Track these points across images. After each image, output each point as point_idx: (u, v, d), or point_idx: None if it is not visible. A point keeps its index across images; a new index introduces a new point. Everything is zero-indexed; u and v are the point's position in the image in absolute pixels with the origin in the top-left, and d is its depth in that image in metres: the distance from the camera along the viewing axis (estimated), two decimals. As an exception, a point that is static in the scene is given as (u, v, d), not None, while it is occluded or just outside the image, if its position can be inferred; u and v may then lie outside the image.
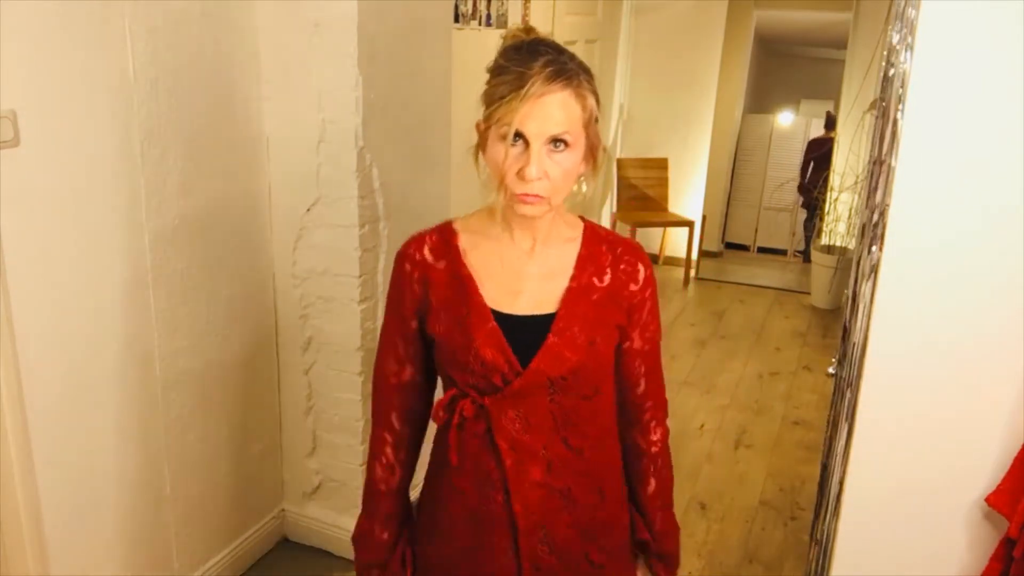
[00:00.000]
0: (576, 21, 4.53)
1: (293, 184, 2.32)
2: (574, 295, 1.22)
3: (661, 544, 1.37)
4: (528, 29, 1.21)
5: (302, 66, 2.21)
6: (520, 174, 1.11)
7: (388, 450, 1.34)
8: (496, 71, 1.15)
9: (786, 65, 10.02)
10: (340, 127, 2.21)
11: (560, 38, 3.83)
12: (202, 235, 2.13)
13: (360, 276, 2.33)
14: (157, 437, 2.09)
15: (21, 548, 1.78)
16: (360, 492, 2.58)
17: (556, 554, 1.26)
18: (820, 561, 1.75)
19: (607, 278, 1.25)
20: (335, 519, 2.57)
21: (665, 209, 5.78)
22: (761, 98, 9.66)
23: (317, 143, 2.25)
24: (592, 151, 1.18)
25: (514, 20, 3.70)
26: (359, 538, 1.40)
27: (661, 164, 5.74)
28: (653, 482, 1.35)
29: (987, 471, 1.45)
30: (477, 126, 1.18)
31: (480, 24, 3.43)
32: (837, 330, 4.72)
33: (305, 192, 2.31)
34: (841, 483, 1.61)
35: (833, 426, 1.71)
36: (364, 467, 2.49)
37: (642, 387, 1.31)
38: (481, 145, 1.18)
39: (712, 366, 4.25)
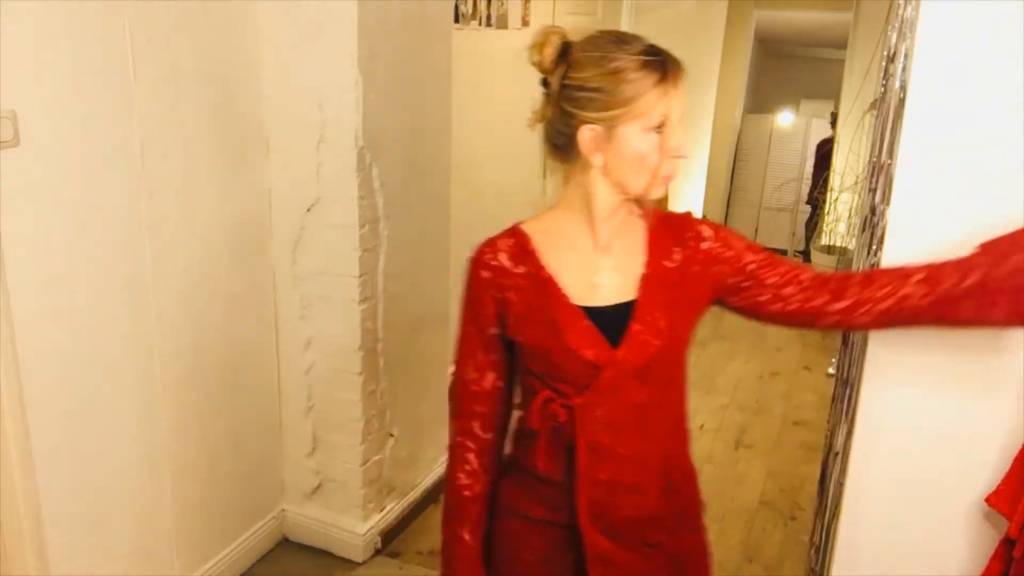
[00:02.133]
0: (576, 21, 4.52)
1: (293, 184, 2.32)
2: (651, 281, 1.23)
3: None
4: (554, 27, 1.21)
5: (302, 66, 2.21)
6: (678, 153, 1.15)
7: (471, 456, 1.32)
8: (621, 67, 1.13)
9: (786, 65, 10.01)
10: (340, 127, 2.21)
11: (560, 38, 3.67)
12: (202, 235, 2.13)
13: (360, 276, 2.33)
14: (157, 437, 2.09)
15: (21, 548, 1.78)
16: (362, 492, 2.59)
17: (617, 543, 1.28)
18: (820, 561, 1.75)
19: (677, 256, 1.26)
20: (335, 519, 2.57)
21: (665, 209, 5.77)
22: (761, 98, 9.66)
23: (317, 143, 2.25)
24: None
25: (514, 20, 3.70)
26: (448, 545, 1.35)
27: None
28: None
29: (987, 471, 1.44)
30: (595, 131, 1.16)
31: (480, 24, 3.43)
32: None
33: (305, 192, 2.31)
34: (841, 483, 1.61)
35: (833, 426, 1.71)
36: (363, 467, 2.50)
37: (803, 273, 1.26)
38: (601, 148, 1.17)
39: (712, 366, 4.25)
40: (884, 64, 1.46)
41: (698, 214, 6.60)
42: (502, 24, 3.61)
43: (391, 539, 2.67)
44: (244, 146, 2.24)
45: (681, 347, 1.27)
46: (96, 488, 1.94)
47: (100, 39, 1.77)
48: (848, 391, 1.62)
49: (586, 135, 1.17)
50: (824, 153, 6.47)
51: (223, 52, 2.11)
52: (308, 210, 2.32)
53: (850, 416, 1.58)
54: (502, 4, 3.58)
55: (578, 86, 1.16)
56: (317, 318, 2.41)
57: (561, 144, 1.22)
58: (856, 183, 4.86)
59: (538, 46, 1.20)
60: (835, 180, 5.50)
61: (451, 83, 2.65)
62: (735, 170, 8.54)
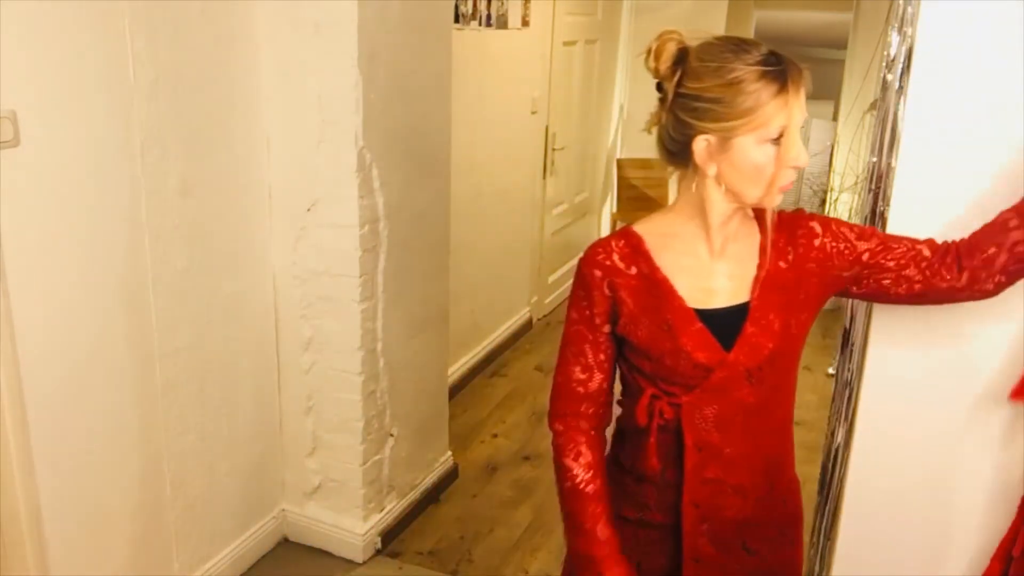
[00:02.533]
0: (576, 21, 4.52)
1: (293, 184, 2.32)
2: (765, 283, 1.23)
3: None
4: (673, 34, 1.18)
5: (302, 66, 2.21)
6: (795, 164, 1.14)
7: (584, 450, 1.31)
8: (740, 77, 1.11)
9: (786, 65, 9.99)
10: (340, 127, 2.21)
11: (560, 38, 3.82)
12: (202, 235, 2.13)
13: (360, 276, 2.33)
14: (157, 437, 2.09)
15: (21, 548, 1.78)
16: (362, 492, 2.59)
17: (715, 544, 1.29)
18: (820, 561, 1.75)
19: (791, 257, 1.25)
20: (335, 519, 2.57)
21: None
22: (761, 98, 9.62)
23: (317, 143, 2.25)
24: None
25: (514, 20, 3.70)
26: (584, 547, 1.30)
27: (661, 164, 5.72)
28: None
29: (987, 471, 1.44)
30: (710, 142, 1.15)
31: (480, 24, 3.43)
32: (837, 330, 4.72)
33: (305, 192, 2.30)
34: (841, 483, 1.61)
35: (833, 426, 1.71)
36: (363, 467, 2.50)
37: (924, 250, 1.24)
38: (715, 158, 1.16)
39: (712, 366, 4.25)
40: (884, 64, 1.46)
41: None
42: (502, 24, 3.61)
43: (391, 539, 2.67)
44: (244, 146, 2.24)
45: (795, 348, 1.27)
46: (96, 488, 1.94)
47: (100, 39, 1.77)
48: (848, 391, 1.62)
49: (700, 145, 1.15)
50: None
51: (223, 52, 2.11)
52: (308, 210, 2.32)
53: (850, 416, 1.58)
54: (502, 4, 3.58)
55: (694, 95, 1.13)
56: (317, 318, 2.41)
57: (675, 151, 1.21)
58: (856, 183, 4.86)
59: (654, 53, 1.17)
60: (835, 180, 5.49)
61: (451, 83, 2.65)
62: (735, 170, 8.51)
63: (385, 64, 2.26)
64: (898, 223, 1.41)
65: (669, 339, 1.21)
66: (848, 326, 1.67)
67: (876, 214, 1.48)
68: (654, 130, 1.26)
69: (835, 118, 6.51)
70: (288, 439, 2.57)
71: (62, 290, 1.78)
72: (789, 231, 1.27)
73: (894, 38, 1.41)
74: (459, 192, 3.21)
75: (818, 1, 6.60)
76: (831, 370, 2.05)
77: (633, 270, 1.24)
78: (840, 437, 1.64)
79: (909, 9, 1.36)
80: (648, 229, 1.27)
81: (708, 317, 1.22)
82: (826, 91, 8.78)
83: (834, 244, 1.26)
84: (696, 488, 1.25)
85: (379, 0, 2.19)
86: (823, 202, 5.55)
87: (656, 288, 1.22)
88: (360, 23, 2.13)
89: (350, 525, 2.56)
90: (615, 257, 1.25)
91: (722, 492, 1.26)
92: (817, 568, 1.75)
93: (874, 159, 1.49)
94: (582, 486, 1.29)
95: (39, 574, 1.82)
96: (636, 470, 1.30)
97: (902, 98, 1.38)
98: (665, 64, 1.16)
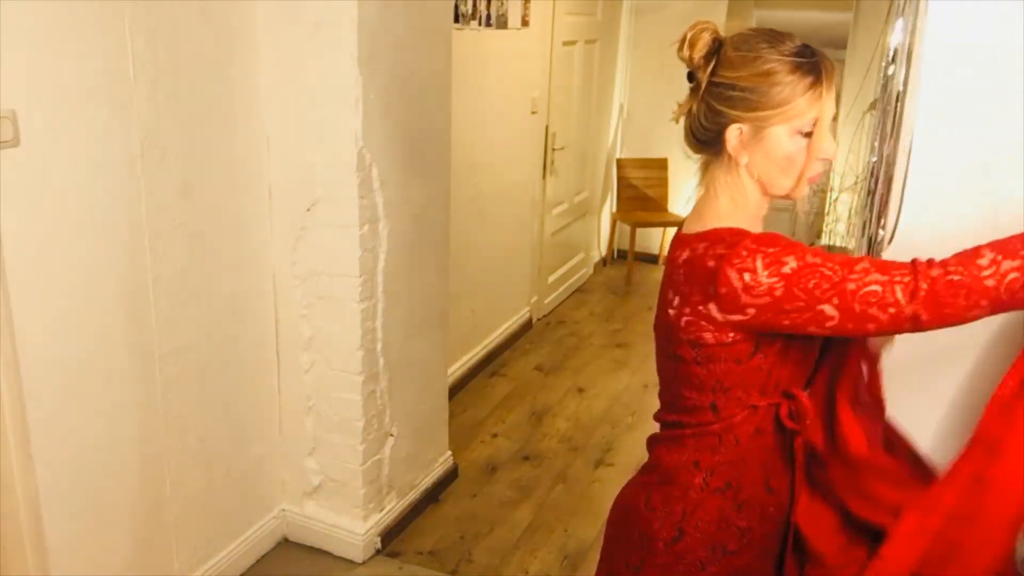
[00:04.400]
0: (576, 21, 4.53)
1: (293, 184, 2.32)
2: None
3: None
4: (706, 23, 1.18)
5: (302, 66, 2.21)
6: (825, 156, 1.14)
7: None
8: (775, 68, 1.12)
9: (786, 65, 9.99)
10: (340, 127, 2.21)
11: (560, 38, 3.82)
12: (202, 235, 2.13)
13: (360, 276, 2.33)
14: (157, 437, 2.09)
15: (21, 548, 1.78)
16: (361, 492, 2.59)
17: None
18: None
19: None
20: (335, 519, 2.57)
21: (665, 209, 5.78)
22: (761, 98, 9.64)
23: (317, 143, 2.25)
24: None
25: (514, 20, 3.70)
26: None
27: (661, 164, 5.73)
28: None
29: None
30: (743, 131, 1.15)
31: (480, 24, 3.43)
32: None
33: (305, 192, 2.30)
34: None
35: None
36: (363, 467, 2.50)
37: None
38: (747, 147, 1.17)
39: (712, 366, 4.24)
40: (884, 64, 1.46)
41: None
42: (502, 24, 3.61)
43: (391, 539, 2.67)
44: (244, 146, 2.24)
45: None
46: (96, 488, 1.94)
47: (100, 39, 1.77)
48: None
49: (733, 134, 1.16)
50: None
51: (223, 52, 2.11)
52: (308, 210, 2.32)
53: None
54: (502, 4, 3.58)
55: (729, 84, 1.15)
56: (317, 318, 2.41)
57: (706, 140, 1.21)
58: (856, 183, 4.86)
59: (689, 42, 1.17)
60: (835, 180, 5.50)
61: (451, 83, 2.65)
62: (735, 170, 8.52)
63: (385, 64, 2.26)
64: (898, 223, 1.41)
65: (803, 341, 1.20)
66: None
67: (876, 215, 1.48)
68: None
69: (835, 118, 6.52)
70: (288, 439, 2.57)
71: (62, 290, 1.78)
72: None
73: (894, 38, 1.41)
74: (459, 192, 3.21)
75: (818, 1, 6.60)
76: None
77: None
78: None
79: (910, 9, 1.36)
80: (745, 226, 1.19)
81: None
82: (826, 91, 8.79)
83: None
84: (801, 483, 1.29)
85: (379, 0, 2.19)
86: (823, 202, 5.55)
87: None
88: (360, 23, 2.13)
89: (350, 525, 2.56)
90: None
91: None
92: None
93: (874, 159, 1.49)
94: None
95: (39, 574, 1.82)
96: (768, 483, 1.26)
97: (902, 98, 1.38)
98: (699, 53, 1.17)
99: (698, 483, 1.24)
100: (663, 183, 5.80)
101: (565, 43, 4.38)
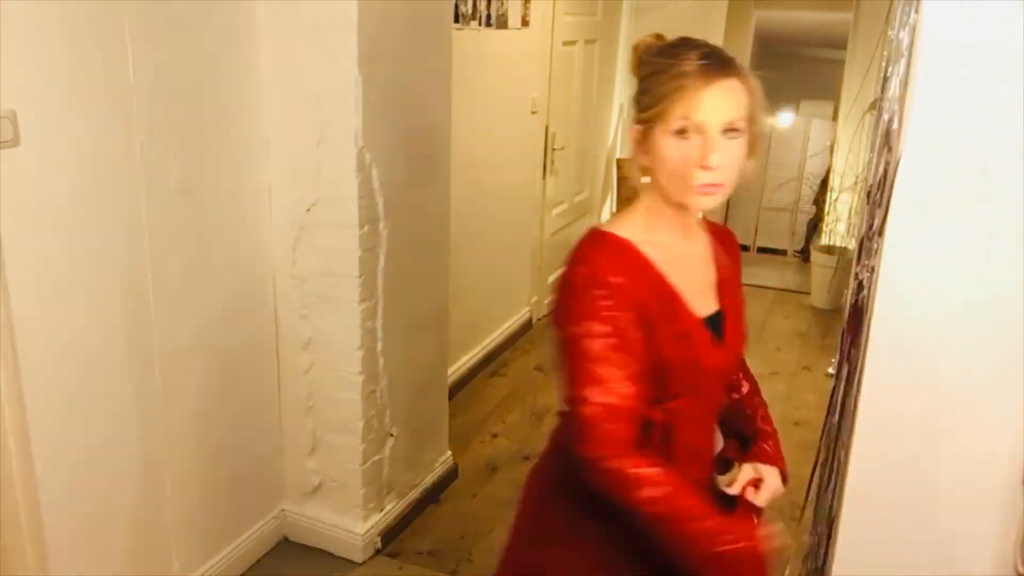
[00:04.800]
0: (576, 21, 4.52)
1: (293, 184, 2.32)
2: (725, 286, 1.28)
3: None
4: (658, 36, 1.22)
5: (302, 66, 2.21)
6: (703, 164, 1.12)
7: (645, 462, 1.16)
8: (656, 70, 1.15)
9: (786, 65, 10.00)
10: (340, 127, 2.21)
11: (560, 38, 3.83)
12: (202, 235, 2.13)
13: (360, 276, 2.32)
14: (157, 437, 2.09)
15: (21, 548, 1.78)
16: (361, 492, 2.59)
17: None
18: (820, 561, 1.75)
19: (725, 263, 1.31)
20: (335, 519, 2.57)
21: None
22: (761, 98, 9.63)
23: (317, 143, 2.25)
24: (754, 141, 1.19)
25: (514, 20, 3.70)
26: (697, 525, 1.15)
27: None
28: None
29: (988, 471, 1.44)
30: (633, 131, 1.18)
31: (480, 24, 3.43)
32: (837, 330, 4.72)
33: (305, 192, 2.30)
34: (841, 482, 1.61)
35: (831, 425, 1.71)
36: (363, 467, 2.50)
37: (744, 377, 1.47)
38: (639, 147, 1.19)
39: (712, 366, 4.24)
40: (884, 64, 1.46)
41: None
42: (502, 24, 3.61)
43: (391, 539, 2.67)
44: (244, 146, 2.24)
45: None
46: (96, 488, 1.94)
47: (100, 39, 1.77)
48: (848, 391, 1.62)
49: (632, 135, 1.19)
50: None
51: (223, 52, 2.11)
52: (308, 210, 2.32)
53: (850, 416, 1.58)
54: (502, 4, 3.58)
55: (635, 89, 1.20)
56: (317, 318, 2.41)
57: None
58: (856, 183, 4.86)
59: (632, 50, 1.23)
60: (835, 180, 5.49)
61: (451, 83, 2.65)
62: (735, 170, 8.51)
63: (385, 64, 2.26)
64: (898, 223, 1.41)
65: (689, 351, 1.19)
66: (848, 325, 1.67)
67: (876, 215, 1.48)
68: None
69: (835, 118, 6.51)
70: (288, 439, 2.57)
71: (62, 290, 1.78)
72: (722, 240, 1.33)
73: (894, 38, 1.41)
74: (459, 192, 3.20)
75: (818, 1, 6.59)
76: (831, 370, 2.05)
77: (637, 278, 1.19)
78: (830, 434, 1.64)
79: (910, 9, 1.36)
80: (635, 236, 1.22)
81: (705, 324, 1.25)
82: (826, 91, 8.79)
83: (735, 271, 1.34)
84: None
85: (379, 0, 2.19)
86: (823, 202, 5.55)
87: (666, 299, 1.19)
88: (360, 23, 2.13)
89: (350, 525, 2.56)
90: (617, 267, 1.18)
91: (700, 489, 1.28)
92: (817, 568, 1.75)
93: (873, 159, 1.49)
94: (674, 478, 1.15)
95: (39, 574, 1.82)
96: None
97: (902, 98, 1.38)
98: (634, 62, 1.22)
99: None
100: (663, 183, 5.79)
101: (565, 43, 4.38)
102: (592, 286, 1.16)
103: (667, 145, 1.14)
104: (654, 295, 1.18)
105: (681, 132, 1.12)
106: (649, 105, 1.14)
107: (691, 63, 1.12)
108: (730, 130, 1.13)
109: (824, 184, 5.66)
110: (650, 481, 1.13)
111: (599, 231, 1.24)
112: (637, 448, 1.16)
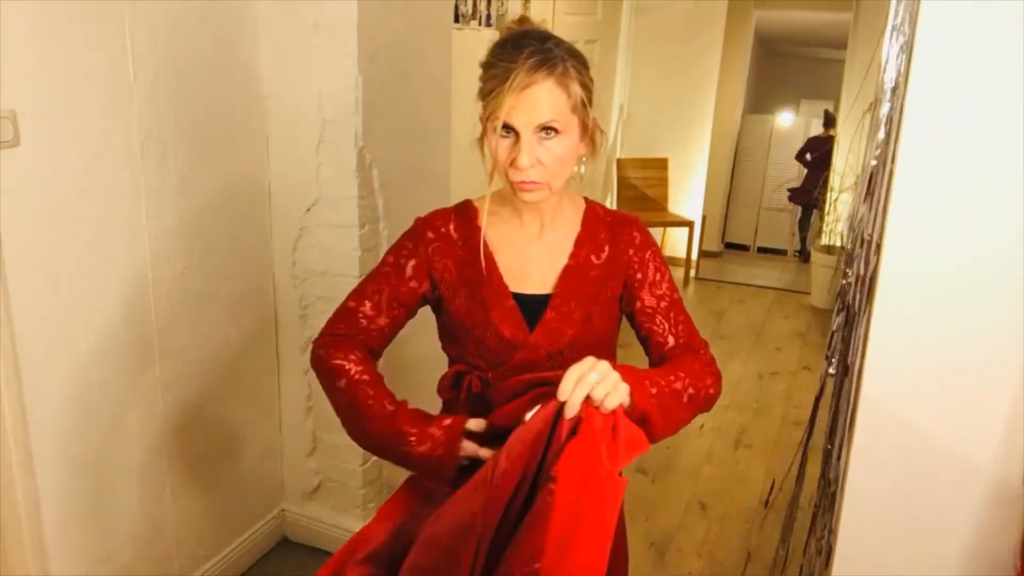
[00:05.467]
0: (576, 21, 4.53)
1: (293, 184, 2.32)
2: (571, 273, 1.29)
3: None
4: (522, 20, 1.24)
5: (302, 66, 2.21)
6: (514, 163, 1.17)
7: (356, 354, 1.30)
8: (486, 67, 1.19)
9: (786, 65, 10.01)
10: (340, 127, 2.21)
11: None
12: (202, 235, 2.13)
13: (360, 276, 2.32)
14: (157, 437, 2.09)
15: (21, 548, 1.78)
16: (361, 492, 2.58)
17: None
18: (820, 561, 1.75)
19: (605, 254, 1.31)
20: (335, 519, 2.57)
21: (665, 209, 5.78)
22: (761, 98, 9.65)
23: (317, 143, 2.25)
24: (589, 133, 1.22)
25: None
26: (371, 425, 1.27)
27: (661, 164, 5.74)
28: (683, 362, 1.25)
29: (988, 472, 1.45)
30: (480, 119, 1.22)
31: (480, 24, 3.43)
32: (837, 330, 4.71)
33: (305, 192, 2.31)
34: (841, 482, 1.61)
35: (832, 425, 1.71)
36: (363, 467, 2.50)
37: (671, 343, 1.30)
38: (484, 137, 1.23)
39: (712, 366, 4.24)
40: (884, 64, 1.46)
41: (697, 214, 6.52)
42: (502, 24, 3.61)
43: (391, 539, 2.66)
44: (244, 146, 2.24)
45: (600, 338, 1.30)
46: (96, 487, 1.94)
47: (100, 39, 1.77)
48: (848, 390, 1.62)
49: (482, 125, 1.22)
50: (824, 153, 6.46)
51: (223, 52, 2.11)
52: (308, 210, 2.32)
53: (849, 415, 1.58)
54: (502, 4, 3.58)
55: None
56: (317, 318, 2.41)
57: None
58: (856, 183, 4.86)
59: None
60: (835, 180, 5.50)
61: (451, 83, 2.65)
62: (735, 170, 8.54)
63: (385, 64, 2.26)
64: (897, 223, 1.41)
65: (482, 311, 1.26)
66: (848, 325, 1.67)
67: (876, 215, 1.48)
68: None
69: (834, 116, 6.52)
70: (288, 439, 2.57)
71: (62, 290, 1.78)
72: (614, 230, 1.33)
73: (893, 38, 1.41)
74: (459, 192, 3.20)
75: (818, 1, 6.60)
76: (831, 370, 2.05)
77: (462, 241, 1.30)
78: (826, 433, 1.64)
79: (909, 9, 1.36)
80: (483, 205, 1.31)
81: (521, 300, 1.28)
82: (826, 91, 8.80)
83: (635, 268, 1.31)
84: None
85: (379, 0, 2.19)
86: (823, 201, 5.55)
87: (479, 261, 1.28)
88: (360, 23, 2.13)
89: (350, 525, 2.56)
90: (451, 226, 1.32)
91: None
92: (817, 568, 1.75)
93: (873, 160, 1.49)
94: (357, 376, 1.28)
95: (39, 574, 1.82)
96: None
97: (902, 98, 1.38)
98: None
99: None
100: (663, 183, 5.80)
101: (565, 43, 4.37)
102: (411, 230, 1.35)
103: (492, 141, 1.20)
104: (469, 256, 1.29)
105: (504, 129, 1.17)
106: (481, 101, 1.19)
107: (510, 64, 1.13)
108: (545, 129, 1.16)
109: (824, 184, 5.66)
110: (344, 373, 1.28)
111: (470, 198, 1.35)
112: (352, 350, 1.29)
